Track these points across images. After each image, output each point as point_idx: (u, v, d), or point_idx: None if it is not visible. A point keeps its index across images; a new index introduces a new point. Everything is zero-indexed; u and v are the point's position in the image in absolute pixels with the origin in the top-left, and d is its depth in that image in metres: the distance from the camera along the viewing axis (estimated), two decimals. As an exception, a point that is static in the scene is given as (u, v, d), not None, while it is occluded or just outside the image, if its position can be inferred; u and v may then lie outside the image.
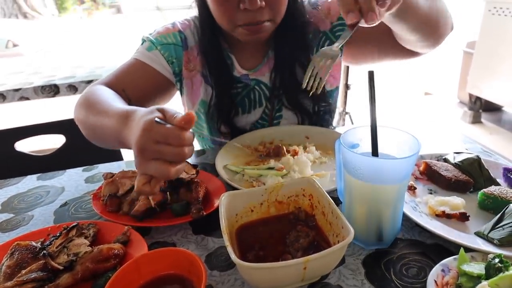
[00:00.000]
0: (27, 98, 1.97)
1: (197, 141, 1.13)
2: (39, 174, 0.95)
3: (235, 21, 0.84)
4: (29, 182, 0.92)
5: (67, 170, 0.96)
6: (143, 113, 0.54)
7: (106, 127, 0.66)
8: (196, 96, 1.01)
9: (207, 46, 0.95)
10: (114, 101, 0.74)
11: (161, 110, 0.53)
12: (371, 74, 0.62)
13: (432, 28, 0.79)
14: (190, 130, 0.51)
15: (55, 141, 1.26)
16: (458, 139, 0.99)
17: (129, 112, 0.60)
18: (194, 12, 0.98)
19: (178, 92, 1.04)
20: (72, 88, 1.98)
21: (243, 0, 0.79)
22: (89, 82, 1.96)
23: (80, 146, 1.21)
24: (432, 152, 0.85)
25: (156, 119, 0.50)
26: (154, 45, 0.94)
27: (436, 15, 0.77)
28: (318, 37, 1.00)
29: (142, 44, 0.97)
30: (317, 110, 1.03)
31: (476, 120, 3.53)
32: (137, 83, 0.90)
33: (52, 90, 1.96)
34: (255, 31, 0.85)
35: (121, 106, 0.67)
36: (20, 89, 1.91)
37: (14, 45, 6.59)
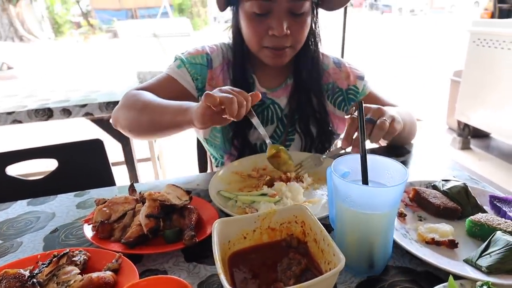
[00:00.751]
0: (20, 122, 1.97)
1: (209, 149, 1.20)
2: (29, 200, 0.94)
3: (262, 43, 0.99)
4: (19, 207, 0.91)
5: (59, 195, 0.95)
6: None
7: (168, 114, 0.89)
8: None
9: (235, 65, 1.09)
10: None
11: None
12: (360, 104, 0.64)
13: (408, 139, 1.15)
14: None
15: (47, 164, 1.26)
16: (446, 166, 1.01)
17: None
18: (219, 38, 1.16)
19: None
20: (66, 112, 1.98)
21: (271, 27, 0.94)
22: (84, 106, 1.97)
23: (73, 171, 1.22)
24: (422, 179, 0.87)
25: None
26: (183, 64, 1.09)
27: (409, 131, 1.07)
28: (335, 91, 1.16)
29: (174, 61, 1.12)
30: (321, 139, 1.14)
31: (465, 146, 3.60)
32: (165, 93, 1.03)
33: (45, 113, 1.96)
34: (278, 55, 1.00)
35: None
36: (13, 112, 1.91)
37: (9, 68, 6.63)
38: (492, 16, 4.88)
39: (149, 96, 0.99)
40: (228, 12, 1.07)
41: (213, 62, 1.11)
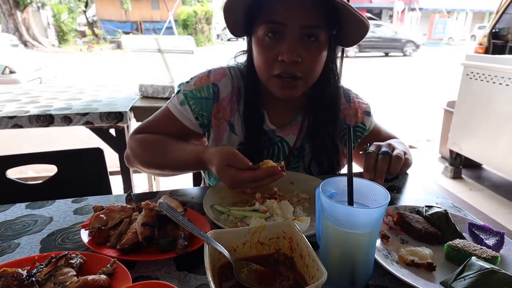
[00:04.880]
0: (21, 126, 2.00)
1: (206, 176, 1.22)
2: (28, 203, 0.97)
3: (272, 70, 0.95)
4: (18, 210, 0.93)
5: (57, 201, 0.98)
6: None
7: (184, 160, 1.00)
8: (220, 141, 1.11)
9: (247, 98, 1.07)
10: (178, 143, 1.04)
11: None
12: (349, 130, 0.69)
13: (406, 170, 1.11)
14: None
15: (47, 168, 1.29)
16: (432, 193, 1.06)
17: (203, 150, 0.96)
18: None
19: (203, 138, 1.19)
20: (67, 119, 2.02)
21: (281, 52, 0.91)
22: (85, 114, 2.01)
23: (71, 178, 1.25)
24: (408, 204, 0.92)
25: None
26: (187, 100, 1.06)
27: (411, 163, 1.07)
28: (342, 127, 1.14)
29: (177, 93, 1.09)
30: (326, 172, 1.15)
31: (456, 176, 3.66)
32: (168, 131, 1.07)
33: (46, 119, 2.00)
34: (287, 86, 0.96)
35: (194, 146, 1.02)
36: (15, 116, 1.95)
37: (11, 72, 6.69)
38: (486, 51, 5.04)
39: (158, 142, 1.04)
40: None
41: (220, 94, 1.07)
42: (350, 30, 0.97)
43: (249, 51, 1.05)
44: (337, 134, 1.12)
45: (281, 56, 0.91)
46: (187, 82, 1.09)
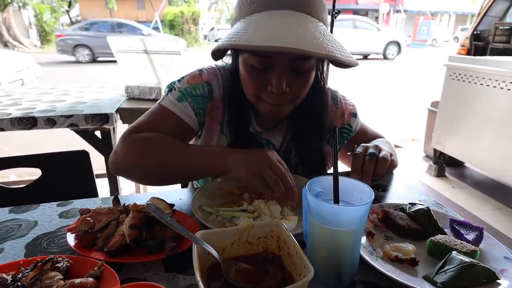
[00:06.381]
0: (2, 129, 1.96)
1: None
2: (11, 207, 0.95)
3: (259, 95, 0.95)
4: (1, 214, 0.91)
5: (41, 204, 0.96)
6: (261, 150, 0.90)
7: (195, 163, 0.92)
8: (210, 141, 1.10)
9: (232, 102, 1.05)
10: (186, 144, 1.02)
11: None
12: (335, 130, 0.71)
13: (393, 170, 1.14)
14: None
15: (29, 171, 1.27)
16: (416, 191, 1.09)
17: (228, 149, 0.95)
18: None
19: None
20: (51, 122, 1.98)
21: (271, 84, 0.89)
22: (69, 116, 1.98)
23: (56, 181, 1.23)
24: (392, 201, 0.94)
25: None
26: (184, 96, 1.02)
27: (396, 163, 1.09)
28: (329, 129, 1.13)
29: (170, 91, 1.04)
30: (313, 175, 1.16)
31: (440, 174, 3.74)
32: (164, 130, 0.98)
33: (29, 122, 1.96)
34: (275, 111, 0.97)
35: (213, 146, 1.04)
36: (-4, 119, 1.90)
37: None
38: (468, 53, 5.18)
39: (165, 141, 0.94)
40: (219, 32, 1.07)
41: (213, 93, 1.06)
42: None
43: (234, 61, 1.02)
44: (323, 138, 1.13)
45: (270, 87, 0.90)
46: (179, 80, 1.06)
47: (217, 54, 0.94)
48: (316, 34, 0.82)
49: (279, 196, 0.84)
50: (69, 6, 23.20)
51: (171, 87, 1.05)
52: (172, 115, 1.01)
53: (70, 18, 23.88)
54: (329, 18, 0.98)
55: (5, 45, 16.93)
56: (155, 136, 0.95)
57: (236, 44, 0.82)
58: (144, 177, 1.00)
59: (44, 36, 20.80)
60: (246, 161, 0.87)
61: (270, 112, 0.98)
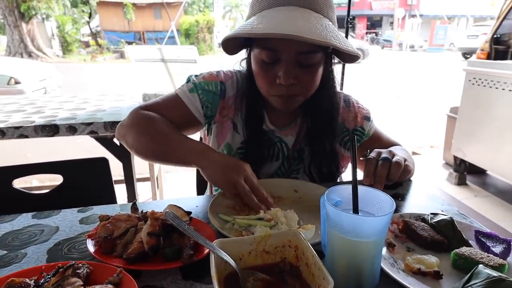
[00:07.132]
0: (26, 136, 2.02)
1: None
2: (34, 213, 0.97)
3: (271, 90, 1.01)
4: (24, 220, 0.94)
5: (62, 210, 0.99)
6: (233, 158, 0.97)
7: (177, 151, 0.99)
8: (223, 139, 1.14)
9: (248, 100, 1.11)
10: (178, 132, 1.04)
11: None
12: (353, 138, 0.70)
13: (409, 177, 1.11)
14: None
15: (51, 177, 1.30)
16: (437, 200, 1.05)
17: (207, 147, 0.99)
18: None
19: (201, 130, 1.23)
20: (72, 129, 2.04)
21: (279, 76, 0.96)
22: (89, 124, 2.03)
23: (77, 187, 1.26)
24: (413, 211, 0.91)
25: None
26: (196, 89, 1.10)
27: (411, 170, 1.06)
28: (342, 130, 1.18)
29: (187, 82, 1.13)
30: (327, 178, 1.17)
31: (461, 182, 3.63)
32: (171, 115, 1.09)
33: (52, 129, 2.02)
34: (286, 103, 1.02)
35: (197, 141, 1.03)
36: (20, 127, 1.97)
37: (16, 82, 6.75)
38: (488, 57, 5.05)
39: (163, 124, 1.03)
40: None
41: (226, 92, 1.13)
42: (343, 55, 1.04)
43: (248, 61, 1.09)
44: (335, 138, 1.15)
45: (278, 80, 0.97)
46: (196, 75, 1.14)
47: (228, 47, 1.04)
48: (317, 26, 0.88)
49: (253, 206, 0.88)
50: (89, 17, 23.94)
51: (188, 79, 1.14)
52: (180, 103, 1.10)
53: (90, 29, 24.64)
54: (336, 18, 1.04)
55: (30, 55, 17.58)
56: (156, 117, 1.05)
57: (240, 33, 0.91)
58: (133, 147, 1.06)
59: (66, 46, 21.52)
60: (224, 167, 0.92)
61: (281, 104, 1.03)
